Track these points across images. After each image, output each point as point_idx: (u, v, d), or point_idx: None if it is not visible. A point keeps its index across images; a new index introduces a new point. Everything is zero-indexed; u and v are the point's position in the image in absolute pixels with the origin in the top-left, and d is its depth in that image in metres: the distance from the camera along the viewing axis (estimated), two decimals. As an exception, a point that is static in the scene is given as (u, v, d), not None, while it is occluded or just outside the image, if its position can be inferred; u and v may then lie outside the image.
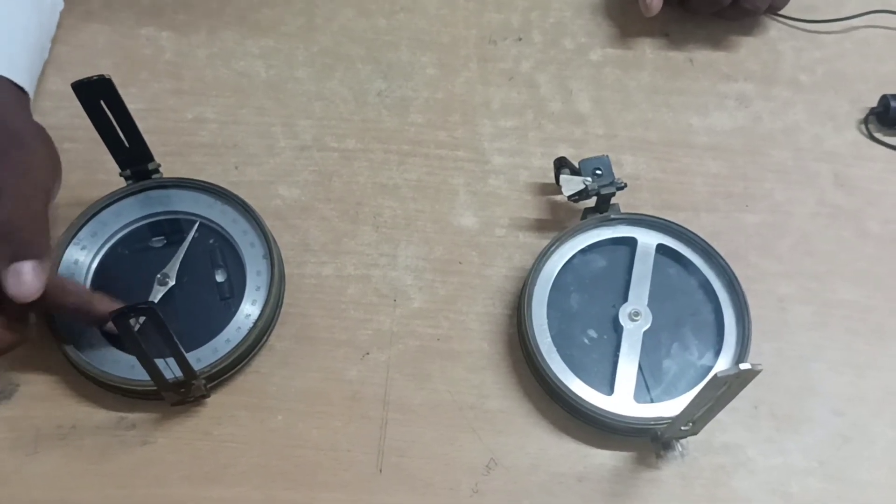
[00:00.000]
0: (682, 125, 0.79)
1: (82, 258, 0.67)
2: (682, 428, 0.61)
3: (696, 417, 0.59)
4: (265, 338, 0.67)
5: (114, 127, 0.64)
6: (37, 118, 0.75)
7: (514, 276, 0.71)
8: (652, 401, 0.65)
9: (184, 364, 0.58)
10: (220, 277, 0.68)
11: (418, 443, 0.64)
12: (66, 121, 0.75)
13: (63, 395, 0.65)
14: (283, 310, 0.68)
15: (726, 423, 0.66)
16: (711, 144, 0.78)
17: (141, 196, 0.70)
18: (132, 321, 0.54)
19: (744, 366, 0.50)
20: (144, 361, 0.56)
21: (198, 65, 0.80)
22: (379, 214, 0.73)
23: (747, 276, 0.71)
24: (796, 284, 0.72)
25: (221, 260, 0.68)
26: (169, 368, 0.60)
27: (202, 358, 0.64)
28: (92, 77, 0.60)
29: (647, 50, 0.84)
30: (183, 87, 0.78)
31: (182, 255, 0.67)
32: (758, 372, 0.51)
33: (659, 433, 0.63)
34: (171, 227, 0.70)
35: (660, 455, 0.65)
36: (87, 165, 0.74)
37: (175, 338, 0.55)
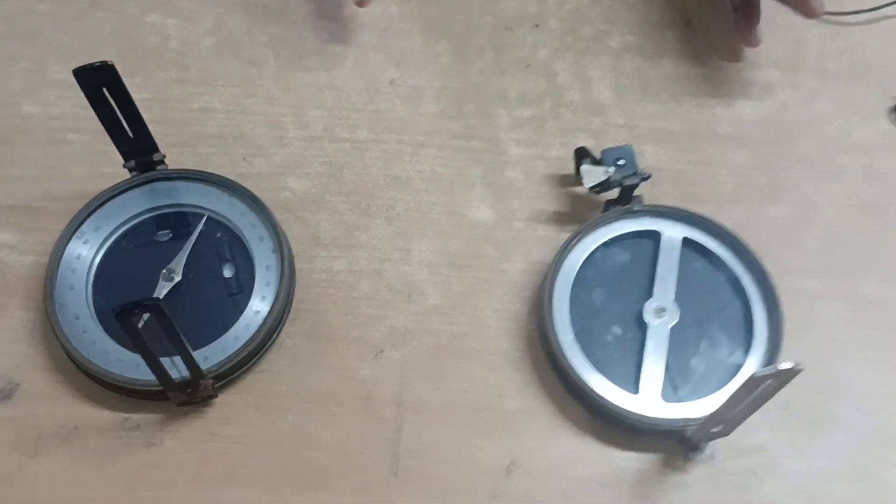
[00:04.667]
0: (705, 114, 0.76)
1: (85, 252, 0.65)
2: (713, 430, 0.58)
3: (729, 418, 0.56)
4: (275, 335, 0.64)
5: (117, 116, 0.61)
6: (39, 109, 0.74)
7: (532, 271, 0.69)
8: (679, 400, 0.62)
9: (191, 363, 0.56)
10: (227, 273, 0.65)
11: (434, 445, 0.62)
12: (69, 111, 0.73)
13: (65, 394, 0.62)
14: (293, 306, 0.66)
15: (753, 424, 0.62)
16: (736, 134, 0.75)
17: (146, 188, 0.67)
18: (137, 318, 0.51)
19: (784, 365, 0.48)
20: (149, 360, 0.54)
21: (204, 54, 0.77)
22: (392, 207, 0.71)
23: (772, 271, 0.68)
24: (823, 280, 0.69)
25: (229, 254, 0.66)
26: (175, 368, 0.57)
27: (210, 356, 0.61)
28: (94, 63, 0.58)
29: (669, 37, 0.81)
30: (189, 76, 0.76)
31: (189, 250, 0.64)
32: (798, 371, 0.48)
33: (688, 435, 0.60)
34: (177, 221, 0.67)
35: (687, 458, 0.62)
36: (92, 158, 0.71)
37: (181, 336, 0.53)
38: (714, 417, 0.56)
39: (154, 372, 0.55)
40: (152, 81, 0.75)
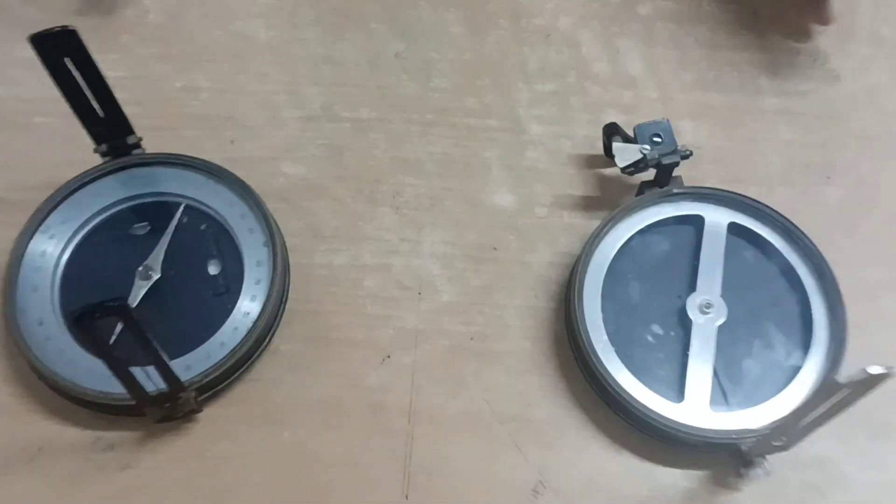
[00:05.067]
0: (748, 86, 0.69)
1: (51, 249, 0.57)
2: (775, 443, 0.50)
3: (795, 431, 0.48)
4: (268, 339, 0.57)
5: (83, 92, 0.54)
6: (4, 90, 0.67)
7: (559, 263, 0.61)
8: (730, 409, 0.54)
9: (168, 374, 0.48)
10: (213, 269, 0.58)
11: (451, 461, 0.55)
12: (37, 92, 0.65)
13: (28, 410, 0.55)
14: (288, 306, 0.59)
15: (815, 432, 0.55)
16: (784, 108, 0.68)
17: (120, 175, 0.60)
18: (101, 323, 0.43)
19: (873, 369, 0.40)
20: (118, 372, 0.46)
21: (188, 26, 0.70)
22: (399, 194, 0.63)
23: (832, 260, 0.60)
24: (888, 268, 0.62)
25: (215, 249, 0.59)
26: (150, 379, 0.49)
27: (193, 365, 0.54)
28: (53, 29, 0.50)
29: (705, 1, 0.73)
30: (171, 52, 0.69)
31: (166, 244, 0.57)
32: (888, 377, 0.40)
33: (743, 448, 0.52)
34: (157, 212, 0.60)
35: (740, 473, 0.54)
36: (62, 143, 0.64)
37: (155, 343, 0.45)
38: (779, 430, 0.48)
39: (124, 385, 0.48)
40: (130, 58, 0.68)
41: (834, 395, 0.43)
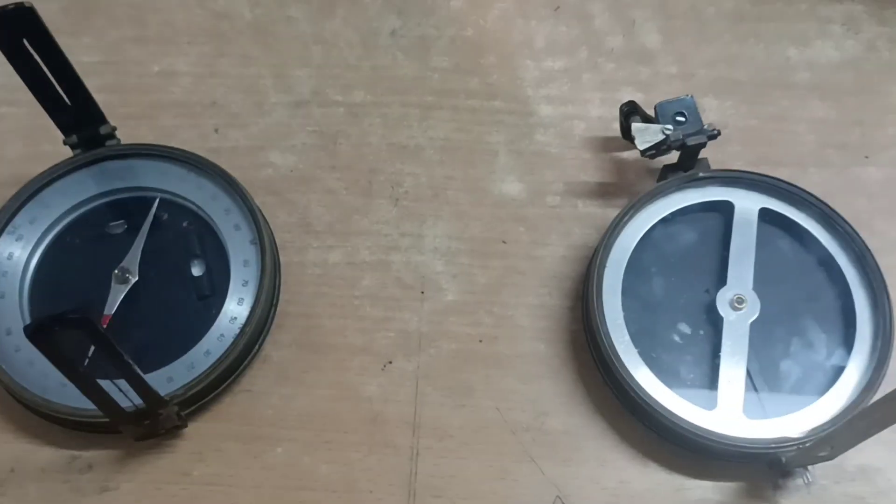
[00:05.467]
0: (776, 59, 0.64)
1: (18, 252, 0.53)
2: (820, 454, 0.45)
3: (841, 442, 0.43)
4: (257, 347, 0.53)
5: (46, 77, 0.48)
6: (-35, 77, 0.61)
7: (574, 257, 0.56)
8: (767, 416, 0.50)
9: (144, 390, 0.44)
10: (197, 270, 0.53)
11: (460, 478, 0.50)
12: (2, 80, 0.60)
13: (-3, 429, 0.50)
14: (279, 309, 0.54)
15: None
16: (815, 82, 0.63)
17: (93, 169, 0.56)
18: (64, 337, 0.39)
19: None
20: (85, 389, 0.41)
21: (166, 6, 0.66)
22: (398, 184, 0.58)
23: (874, 249, 0.56)
24: None
25: (198, 248, 0.54)
26: (127, 393, 0.44)
27: (175, 377, 0.49)
28: (6, 6, 0.45)
29: (727, -33, 0.67)
30: (148, 33, 0.64)
31: (143, 244, 0.52)
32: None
33: (782, 459, 0.47)
34: (134, 208, 0.55)
35: (778, 485, 0.50)
36: (29, 135, 0.60)
37: (127, 357, 0.41)
38: (826, 440, 0.43)
39: (95, 403, 0.43)
40: (104, 41, 0.64)
41: (886, 410, 0.38)
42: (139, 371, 0.42)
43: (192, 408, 0.50)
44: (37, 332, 0.37)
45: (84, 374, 0.40)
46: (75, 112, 0.52)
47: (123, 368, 0.41)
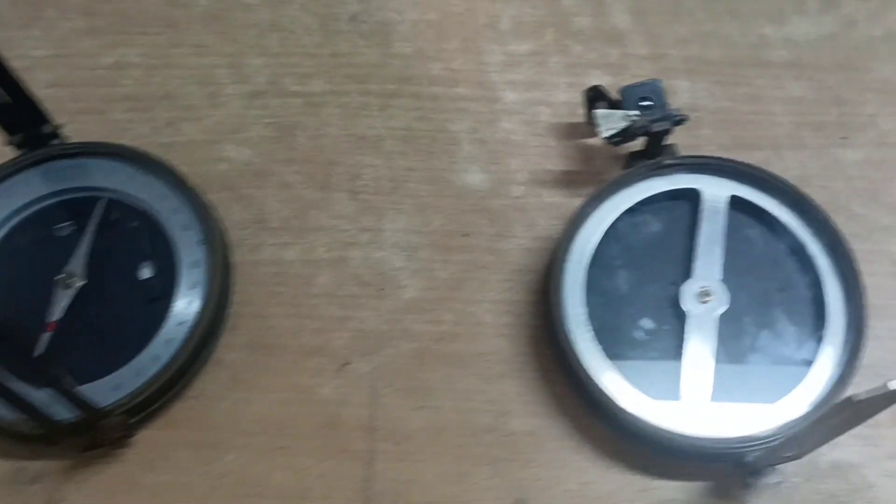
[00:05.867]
0: (751, 37, 0.62)
1: (-41, 258, 0.51)
2: (786, 454, 0.43)
3: (808, 442, 0.42)
4: (208, 350, 0.51)
5: (-22, 75, 0.47)
6: None
7: (538, 249, 0.54)
8: (735, 413, 0.47)
9: (80, 404, 0.42)
10: (146, 273, 0.51)
11: (417, 483, 0.49)
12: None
13: (-62, 440, 0.49)
14: (232, 311, 0.52)
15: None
16: (792, 60, 0.61)
17: (40, 169, 0.54)
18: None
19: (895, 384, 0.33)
20: (15, 404, 0.40)
21: (117, -5, 0.62)
22: (357, 177, 0.57)
23: (850, 234, 0.54)
24: None
25: (148, 249, 0.52)
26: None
27: (122, 384, 0.48)
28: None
29: (700, -59, 0.64)
30: (99, 24, 0.62)
31: (89, 245, 0.51)
32: (917, 390, 0.33)
33: (748, 459, 0.45)
34: (82, 209, 0.53)
35: (747, 484, 0.48)
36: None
37: (57, 371, 0.39)
38: (789, 443, 0.41)
39: (30, 417, 0.41)
40: (53, 33, 0.62)
41: (852, 412, 0.36)
42: (69, 385, 0.41)
43: (141, 415, 0.48)
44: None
45: (8, 389, 0.39)
46: (17, 111, 0.50)
47: (54, 383, 0.40)
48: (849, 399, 0.34)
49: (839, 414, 0.37)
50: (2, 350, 0.37)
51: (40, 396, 0.43)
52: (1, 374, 0.38)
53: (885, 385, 0.33)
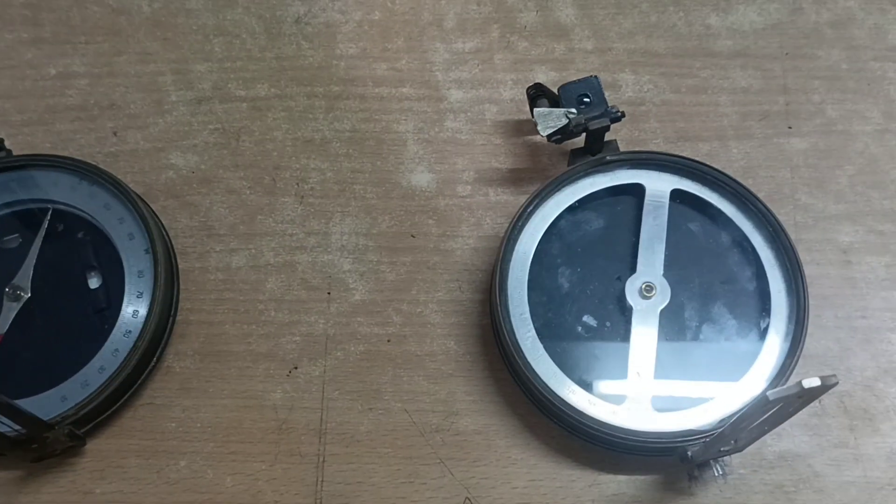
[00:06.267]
0: (696, 28, 0.61)
1: None
2: (722, 448, 0.44)
3: (741, 437, 0.42)
4: (156, 359, 0.51)
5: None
6: None
7: (485, 248, 0.54)
8: (678, 407, 0.48)
9: (20, 420, 0.42)
10: (93, 283, 0.52)
11: (368, 484, 0.49)
12: None
13: None
14: (180, 318, 0.53)
15: (782, 425, 0.48)
16: (737, 49, 0.60)
17: (-18, 183, 0.53)
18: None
19: (809, 382, 0.33)
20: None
21: (61, 4, 0.62)
22: (304, 180, 0.56)
23: (797, 223, 0.54)
24: (863, 228, 0.55)
25: (94, 259, 0.52)
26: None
27: (69, 395, 0.48)
28: None
29: (645, -68, 0.64)
30: (43, 34, 0.61)
31: (35, 258, 0.51)
32: (831, 386, 0.34)
33: (689, 453, 0.46)
34: (27, 221, 0.53)
35: (693, 476, 0.48)
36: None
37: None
38: (720, 438, 0.42)
39: (-29, 434, 0.42)
40: (-3, 45, 0.60)
41: (773, 408, 0.36)
42: (9, 401, 0.41)
43: (90, 425, 0.49)
44: None
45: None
46: (-45, 126, 0.50)
47: (-9, 400, 0.40)
48: (765, 396, 0.34)
49: (761, 410, 0.37)
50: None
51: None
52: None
53: (799, 384, 0.33)
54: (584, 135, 0.52)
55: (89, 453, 0.49)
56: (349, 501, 0.48)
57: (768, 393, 0.34)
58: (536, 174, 0.56)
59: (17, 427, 0.44)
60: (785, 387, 0.34)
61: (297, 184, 0.56)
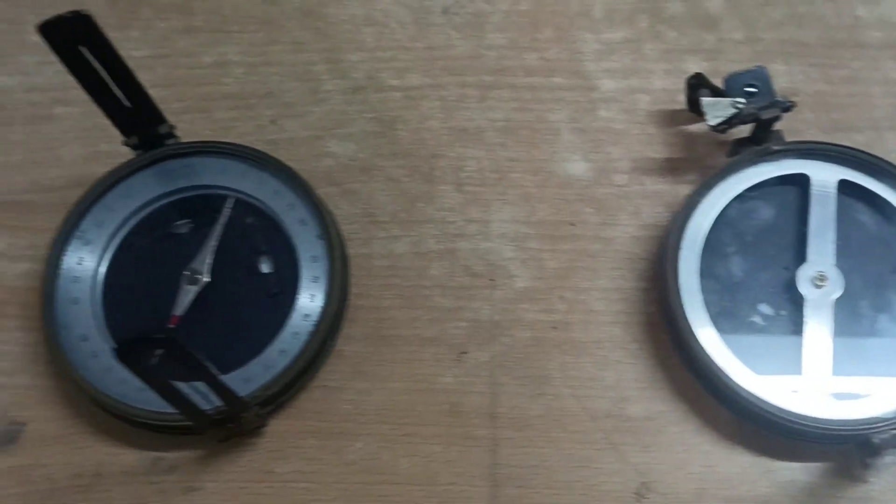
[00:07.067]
0: (845, 19, 0.61)
1: (88, 256, 0.52)
2: (911, 436, 0.44)
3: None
4: (331, 342, 0.51)
5: (104, 81, 0.48)
6: (18, 79, 0.61)
7: (645, 237, 0.55)
8: (856, 395, 0.48)
9: (228, 397, 0.43)
10: (265, 268, 0.52)
11: (542, 468, 0.50)
12: (55, 79, 0.60)
13: (80, 434, 0.51)
14: (349, 303, 0.53)
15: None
16: (888, 41, 0.60)
17: (155, 169, 0.55)
18: (148, 355, 0.38)
19: None
20: (172, 400, 0.41)
21: (212, -7, 0.63)
22: (461, 169, 0.57)
23: (956, 214, 0.53)
24: None
25: (265, 245, 0.53)
26: (207, 396, 0.44)
27: (252, 377, 0.49)
28: (63, 15, 0.44)
29: (789, -78, 0.64)
30: (196, 23, 0.62)
31: (215, 244, 0.51)
32: None
33: (874, 440, 0.46)
34: (198, 207, 0.54)
35: (867, 465, 0.48)
36: (86, 135, 0.59)
37: (212, 369, 0.40)
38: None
39: (181, 412, 0.43)
40: (151, 33, 0.62)
41: None
42: (223, 380, 0.42)
43: (270, 407, 0.50)
44: (125, 354, 0.36)
45: (170, 387, 0.40)
46: (135, 114, 0.51)
47: (208, 379, 0.41)
48: None
49: None
50: (164, 355, 0.38)
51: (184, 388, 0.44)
52: (164, 376, 0.39)
53: None
54: (749, 125, 0.53)
55: (268, 434, 0.50)
56: (525, 484, 0.49)
57: None
58: (692, 164, 0.57)
59: (215, 403, 0.45)
60: None
61: (455, 172, 0.57)
